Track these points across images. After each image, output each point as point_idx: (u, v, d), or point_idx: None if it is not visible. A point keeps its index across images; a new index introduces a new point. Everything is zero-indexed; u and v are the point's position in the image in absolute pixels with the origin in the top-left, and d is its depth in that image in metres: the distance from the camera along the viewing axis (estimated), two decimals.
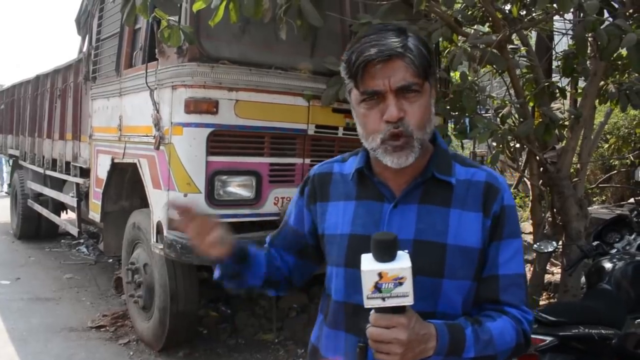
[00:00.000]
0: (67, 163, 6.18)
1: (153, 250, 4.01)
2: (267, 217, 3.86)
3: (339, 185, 1.36)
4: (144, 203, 4.50)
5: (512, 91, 4.91)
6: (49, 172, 7.00)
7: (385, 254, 1.05)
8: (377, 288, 1.03)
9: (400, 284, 1.03)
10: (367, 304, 1.04)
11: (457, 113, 4.23)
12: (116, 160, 4.63)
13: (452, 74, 5.37)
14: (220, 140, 3.58)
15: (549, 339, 2.49)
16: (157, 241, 3.90)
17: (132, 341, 4.62)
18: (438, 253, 1.23)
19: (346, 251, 1.29)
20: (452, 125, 4.66)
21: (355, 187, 1.33)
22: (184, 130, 3.58)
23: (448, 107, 4.20)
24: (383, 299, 1.03)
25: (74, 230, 6.38)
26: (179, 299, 4.08)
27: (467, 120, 4.05)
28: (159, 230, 3.87)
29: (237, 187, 3.72)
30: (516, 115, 4.17)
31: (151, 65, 3.87)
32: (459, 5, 4.25)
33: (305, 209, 1.43)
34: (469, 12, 4.32)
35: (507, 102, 4.06)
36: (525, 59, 4.72)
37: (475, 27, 4.76)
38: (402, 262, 1.04)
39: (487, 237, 1.25)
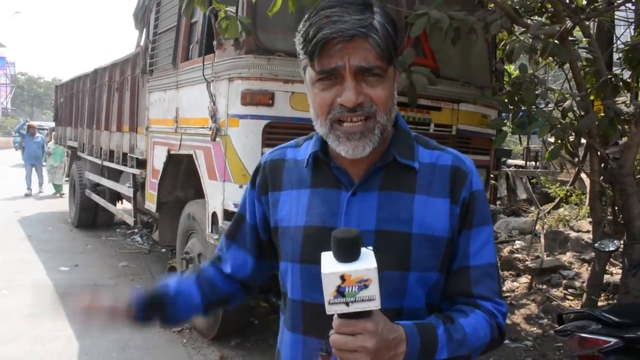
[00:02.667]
0: (124, 154, 6.38)
1: (208, 240, 4.09)
2: None
3: (292, 173, 1.23)
4: (198, 194, 4.60)
5: (571, 84, 4.75)
6: (106, 163, 7.24)
7: (348, 253, 0.93)
8: (340, 292, 0.91)
9: (366, 286, 0.91)
10: (330, 310, 0.93)
11: (513, 107, 4.12)
12: (172, 152, 4.74)
13: (507, 66, 5.24)
14: (276, 132, 3.60)
15: (613, 340, 2.39)
16: (212, 231, 3.97)
17: (186, 329, 4.73)
18: (403, 244, 1.11)
19: (301, 245, 1.16)
20: (507, 120, 4.54)
21: (310, 173, 1.20)
22: (240, 122, 3.62)
23: (506, 101, 4.09)
24: (347, 303, 0.92)
25: (130, 220, 6.58)
26: None
27: (525, 114, 3.92)
28: (214, 221, 3.93)
29: None
30: (577, 109, 4.02)
31: (208, 57, 3.93)
32: None
33: (256, 201, 1.29)
34: (529, 2, 4.19)
35: (568, 95, 3.91)
36: (585, 51, 4.55)
37: (534, 18, 4.62)
38: (367, 262, 0.92)
39: (457, 226, 1.15)
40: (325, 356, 1.03)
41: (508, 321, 4.97)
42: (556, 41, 3.26)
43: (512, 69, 5.60)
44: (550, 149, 3.78)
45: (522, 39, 3.20)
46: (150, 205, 5.37)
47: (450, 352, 1.07)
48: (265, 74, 3.53)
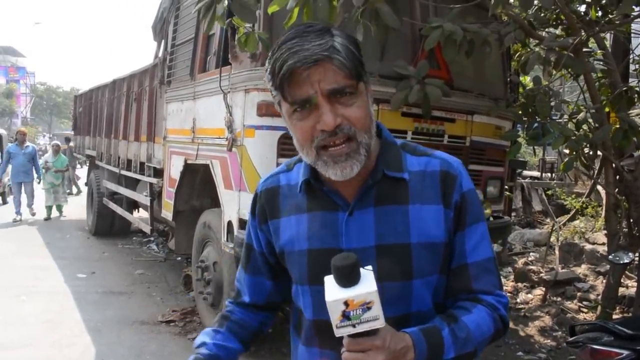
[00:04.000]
0: (142, 163, 6.48)
1: (223, 249, 4.14)
2: None
3: (288, 199, 1.27)
4: (214, 203, 4.66)
5: (586, 95, 4.75)
6: (123, 172, 7.36)
7: (348, 278, 0.98)
8: (346, 316, 0.97)
9: (369, 308, 0.97)
10: (338, 333, 0.99)
11: (527, 118, 4.13)
12: (189, 161, 4.82)
13: (521, 78, 5.25)
14: (291, 143, 3.61)
15: (625, 352, 2.40)
16: (227, 240, 4.03)
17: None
18: (404, 255, 1.16)
19: (307, 268, 1.22)
20: (522, 131, 4.55)
21: (306, 198, 1.24)
22: (255, 133, 3.68)
23: (520, 112, 4.11)
24: (353, 325, 0.98)
25: (147, 228, 6.66)
26: None
27: (539, 125, 3.94)
28: (230, 230, 3.99)
29: None
30: (591, 121, 4.02)
31: (225, 69, 4.01)
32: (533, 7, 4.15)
33: (258, 230, 1.34)
34: (542, 15, 4.21)
35: (582, 107, 3.92)
36: (600, 63, 4.56)
37: (548, 30, 4.64)
38: (367, 286, 0.97)
39: (452, 228, 1.19)
40: None
41: (522, 333, 4.95)
42: (570, 53, 3.27)
43: (527, 80, 5.61)
44: (565, 160, 3.78)
45: (536, 50, 3.21)
46: (167, 213, 5.45)
47: (456, 351, 1.11)
48: None
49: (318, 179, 1.21)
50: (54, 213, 11.21)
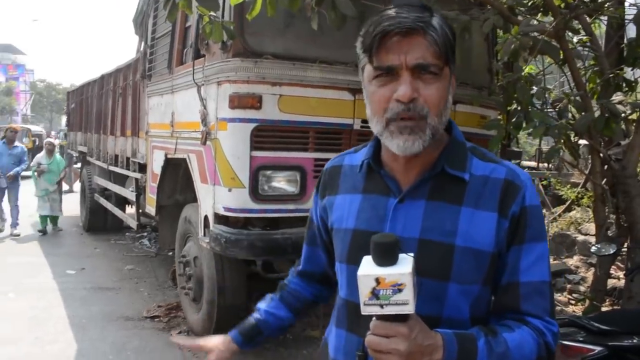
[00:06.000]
0: (128, 159, 6.42)
1: (201, 244, 4.08)
2: None
3: (348, 178, 1.28)
4: (196, 197, 4.60)
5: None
6: (112, 168, 7.31)
7: (386, 257, 0.96)
8: (375, 294, 0.95)
9: (400, 290, 0.94)
10: (364, 310, 0.97)
11: (511, 107, 4.04)
12: (169, 156, 4.75)
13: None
14: (265, 136, 3.59)
15: (597, 348, 2.31)
16: (204, 235, 3.97)
17: (184, 332, 4.73)
18: (445, 254, 1.12)
19: (349, 247, 1.21)
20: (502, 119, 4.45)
21: (363, 179, 1.24)
22: (228, 126, 3.61)
23: (502, 101, 4.02)
24: (381, 306, 0.95)
25: (133, 224, 6.63)
26: (226, 292, 4.13)
27: (521, 114, 3.84)
28: (206, 224, 3.93)
29: (282, 182, 3.72)
30: (573, 109, 3.93)
31: (199, 62, 3.93)
32: None
33: (318, 205, 1.37)
34: (527, 1, 4.10)
35: (566, 94, 3.82)
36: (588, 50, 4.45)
37: (533, 16, 4.53)
38: (403, 267, 0.95)
39: (505, 241, 1.13)
40: (362, 356, 1.08)
41: None
42: (546, 38, 3.17)
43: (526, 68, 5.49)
44: (548, 150, 3.68)
45: (512, 35, 3.12)
46: (150, 208, 5.40)
47: None
48: (253, 77, 3.52)
49: (379, 162, 1.21)
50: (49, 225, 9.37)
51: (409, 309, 0.95)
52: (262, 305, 1.46)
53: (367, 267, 0.97)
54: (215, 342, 1.41)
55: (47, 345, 4.43)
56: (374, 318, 0.99)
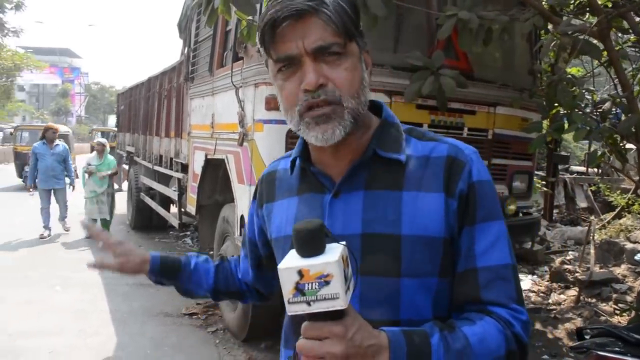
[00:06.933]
0: (171, 159, 6.59)
1: (237, 244, 4.15)
2: None
3: (283, 182, 1.19)
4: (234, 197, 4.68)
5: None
6: (156, 168, 7.51)
7: (310, 246, 0.84)
8: (299, 290, 0.83)
9: (327, 283, 0.81)
10: (290, 309, 0.84)
11: (554, 110, 3.93)
12: (209, 156, 4.85)
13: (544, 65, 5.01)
14: (299, 137, 3.60)
15: None
16: (240, 234, 4.03)
17: (220, 330, 4.82)
18: (392, 247, 1.00)
19: None
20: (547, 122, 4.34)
21: (297, 180, 1.15)
22: (264, 127, 3.66)
23: (544, 103, 3.91)
24: (308, 303, 0.82)
25: (175, 223, 6.79)
26: None
27: (564, 116, 3.73)
28: (242, 224, 3.99)
29: None
30: (615, 110, 3.79)
31: (237, 64, 4.00)
32: None
33: (255, 215, 1.28)
34: (569, 0, 3.99)
35: (610, 96, 3.68)
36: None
37: (586, 17, 4.39)
38: (328, 256, 0.83)
39: (455, 223, 1.01)
40: None
41: (550, 335, 4.73)
42: (589, 38, 3.07)
43: (576, 70, 5.34)
44: (589, 153, 3.56)
45: (551, 35, 3.03)
46: (191, 208, 5.52)
47: None
48: None
49: (308, 159, 1.12)
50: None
51: (341, 304, 0.82)
52: (198, 258, 1.38)
53: (289, 260, 0.85)
54: (131, 249, 1.33)
55: (89, 337, 4.59)
56: (306, 321, 0.86)
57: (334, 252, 0.84)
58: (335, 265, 0.81)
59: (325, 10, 0.97)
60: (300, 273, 0.82)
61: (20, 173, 15.95)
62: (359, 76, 1.02)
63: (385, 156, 1.06)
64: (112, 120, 40.61)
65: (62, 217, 8.98)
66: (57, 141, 8.95)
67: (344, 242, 0.87)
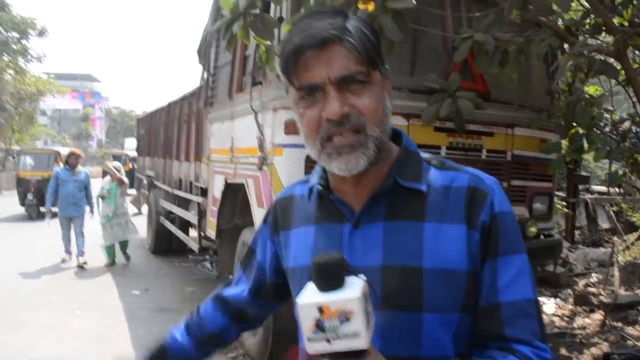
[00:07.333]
0: (191, 183, 6.66)
1: None
2: None
3: (300, 209, 1.16)
4: (254, 222, 4.70)
5: None
6: (176, 192, 7.59)
7: (330, 280, 0.82)
8: (319, 326, 0.80)
9: (348, 319, 0.79)
10: (310, 348, 0.82)
11: (572, 130, 3.91)
12: (229, 180, 4.89)
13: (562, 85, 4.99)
14: None
15: None
16: None
17: (240, 355, 4.80)
18: (413, 280, 0.98)
19: None
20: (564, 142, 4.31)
21: (315, 208, 1.12)
22: (283, 151, 3.69)
23: (562, 123, 3.89)
24: (328, 340, 0.80)
25: (195, 247, 6.83)
26: (282, 317, 4.15)
27: (582, 137, 3.71)
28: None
29: None
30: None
31: (256, 89, 4.06)
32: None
33: (268, 240, 1.24)
34: (585, 20, 3.98)
35: (629, 115, 3.66)
36: None
37: (602, 36, 4.38)
38: (350, 292, 0.81)
39: (478, 255, 0.99)
40: None
41: None
42: (606, 58, 3.06)
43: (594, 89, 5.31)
44: (610, 173, 3.53)
45: (566, 55, 3.03)
46: (211, 232, 5.55)
47: None
48: None
49: (328, 187, 1.10)
50: (119, 255, 8.77)
51: (362, 343, 0.80)
52: (173, 333, 1.33)
53: (309, 295, 0.83)
54: None
55: None
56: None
57: (355, 287, 0.82)
58: (357, 302, 0.80)
59: (349, 38, 0.96)
60: (321, 309, 0.81)
61: (23, 201, 14.82)
62: (383, 104, 1.01)
63: (406, 186, 1.04)
64: (127, 143, 41.23)
65: (80, 252, 8.56)
66: (79, 167, 8.81)
67: (364, 277, 0.86)
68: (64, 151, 15.28)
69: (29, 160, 15.68)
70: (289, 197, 1.21)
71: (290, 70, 0.98)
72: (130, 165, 20.61)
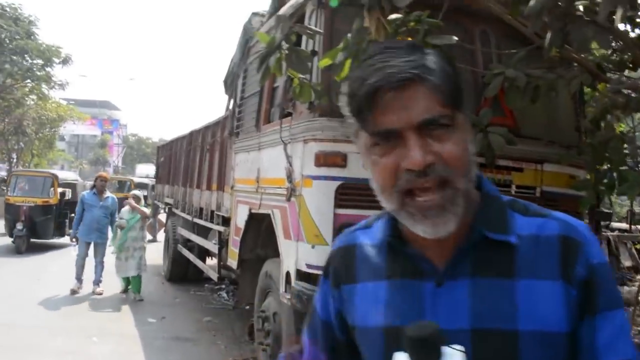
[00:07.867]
0: (212, 212, 6.66)
1: (281, 300, 4.11)
2: None
3: (366, 261, 1.05)
4: (277, 253, 4.67)
5: None
6: (196, 220, 7.60)
7: (426, 354, 0.77)
8: None
9: None
10: None
11: (600, 167, 3.88)
12: (253, 211, 4.89)
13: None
14: (349, 193, 3.62)
15: None
16: (285, 291, 4.00)
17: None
18: (508, 345, 0.88)
19: (384, 351, 0.95)
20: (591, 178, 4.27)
21: (386, 261, 1.01)
22: (313, 183, 3.69)
23: (592, 160, 3.87)
24: None
25: (214, 276, 6.80)
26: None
27: (614, 174, 3.68)
28: (288, 280, 3.96)
29: None
30: None
31: (286, 120, 4.09)
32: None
33: (329, 296, 1.11)
34: (616, 57, 3.99)
35: None
36: None
37: (626, 72, 4.38)
38: None
39: (576, 314, 0.89)
40: None
41: None
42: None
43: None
44: (631, 211, 3.47)
45: (604, 95, 3.03)
46: (232, 262, 5.53)
47: None
48: (338, 136, 3.60)
49: (401, 238, 0.98)
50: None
51: None
52: None
53: None
54: None
55: None
56: None
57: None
58: None
59: (431, 77, 0.86)
60: None
61: (11, 232, 12.12)
62: (468, 150, 0.91)
63: (494, 238, 0.93)
64: (139, 169, 41.45)
65: (97, 281, 8.26)
66: (107, 192, 8.49)
67: (460, 347, 0.81)
68: (64, 175, 14.60)
69: (21, 184, 13.26)
70: (351, 246, 1.09)
71: (364, 113, 0.88)
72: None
